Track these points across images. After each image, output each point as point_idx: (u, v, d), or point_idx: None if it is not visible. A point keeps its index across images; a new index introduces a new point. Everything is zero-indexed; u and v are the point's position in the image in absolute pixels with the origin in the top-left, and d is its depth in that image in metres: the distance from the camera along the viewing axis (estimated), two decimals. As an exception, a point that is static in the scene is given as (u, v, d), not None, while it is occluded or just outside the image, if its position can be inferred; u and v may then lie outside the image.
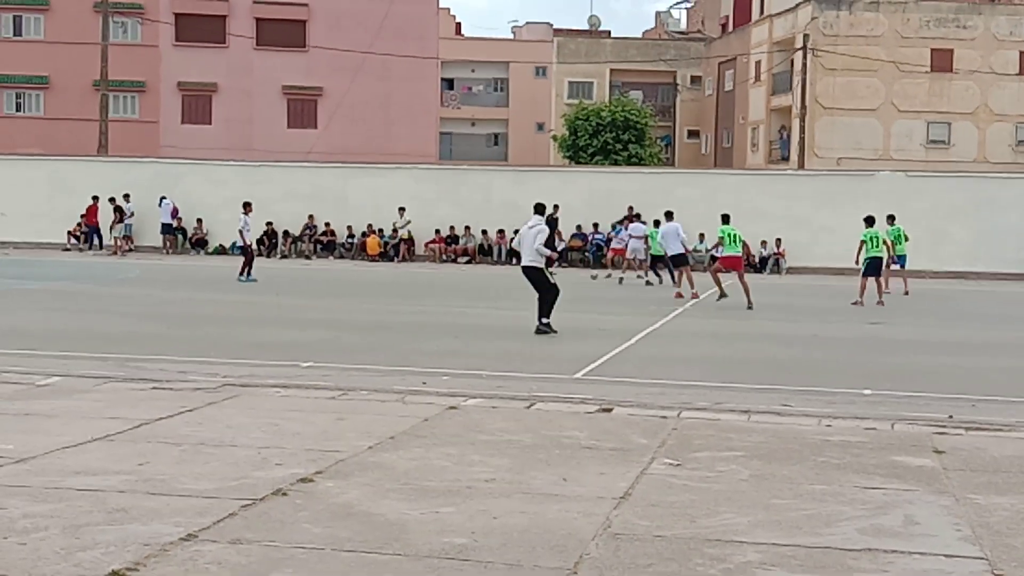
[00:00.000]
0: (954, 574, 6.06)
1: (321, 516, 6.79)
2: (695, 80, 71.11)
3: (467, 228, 39.15)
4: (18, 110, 57.02)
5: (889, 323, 21.05)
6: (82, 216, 39.64)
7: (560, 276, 18.63)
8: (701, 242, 34.73)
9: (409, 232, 39.03)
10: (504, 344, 16.48)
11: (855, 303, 24.40)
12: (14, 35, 56.78)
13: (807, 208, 37.50)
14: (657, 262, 30.07)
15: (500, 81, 76.97)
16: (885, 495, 7.67)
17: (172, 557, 5.95)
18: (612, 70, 69.45)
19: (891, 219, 28.99)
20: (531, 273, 17.54)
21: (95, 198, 39.06)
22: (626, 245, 31.76)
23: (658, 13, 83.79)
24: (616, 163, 52.03)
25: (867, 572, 6.02)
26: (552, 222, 26.66)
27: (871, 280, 25.07)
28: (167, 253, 38.95)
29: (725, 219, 24.54)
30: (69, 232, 39.98)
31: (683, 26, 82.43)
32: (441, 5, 61.46)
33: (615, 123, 55.07)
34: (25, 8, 56.52)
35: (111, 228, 38.70)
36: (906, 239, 29.03)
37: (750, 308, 22.60)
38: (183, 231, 40.13)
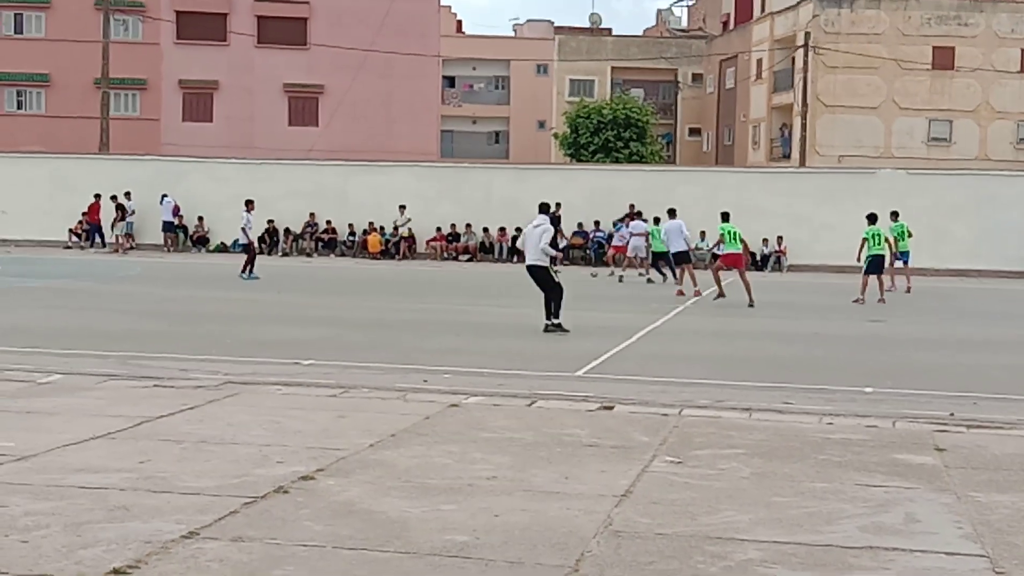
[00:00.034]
0: (955, 572, 6.06)
1: (322, 514, 6.80)
2: (696, 78, 71.05)
3: (468, 226, 39.15)
4: (19, 108, 57.02)
5: (890, 321, 21.04)
6: (84, 214, 39.64)
7: (562, 274, 18.62)
8: (702, 240, 34.72)
9: (410, 230, 39.04)
10: (505, 342, 16.48)
11: (856, 301, 24.39)
12: (15, 33, 56.77)
13: (808, 206, 37.50)
14: (659, 260, 30.06)
15: (501, 79, 76.94)
16: (886, 493, 7.67)
17: (173, 555, 5.95)
18: (613, 68, 69.40)
19: (895, 215, 29.00)
20: (536, 272, 17.59)
21: (97, 196, 39.05)
22: (627, 243, 31.75)
23: (659, 11, 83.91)
24: (617, 161, 51.99)
25: (868, 570, 6.02)
26: (554, 220, 26.66)
27: (872, 278, 25.07)
28: (168, 251, 38.94)
29: (725, 217, 24.54)
30: (70, 230, 39.97)
31: (684, 24, 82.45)
32: (442, 3, 61.46)
33: (616, 121, 55.03)
34: (26, 6, 56.51)
35: (113, 226, 38.69)
36: (909, 235, 29.01)
37: (751, 306, 22.59)
38: (184, 229, 40.11)
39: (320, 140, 54.49)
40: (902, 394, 12.33)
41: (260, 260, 29.41)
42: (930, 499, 7.55)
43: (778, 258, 37.23)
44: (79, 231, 40.02)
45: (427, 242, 39.24)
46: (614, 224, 35.99)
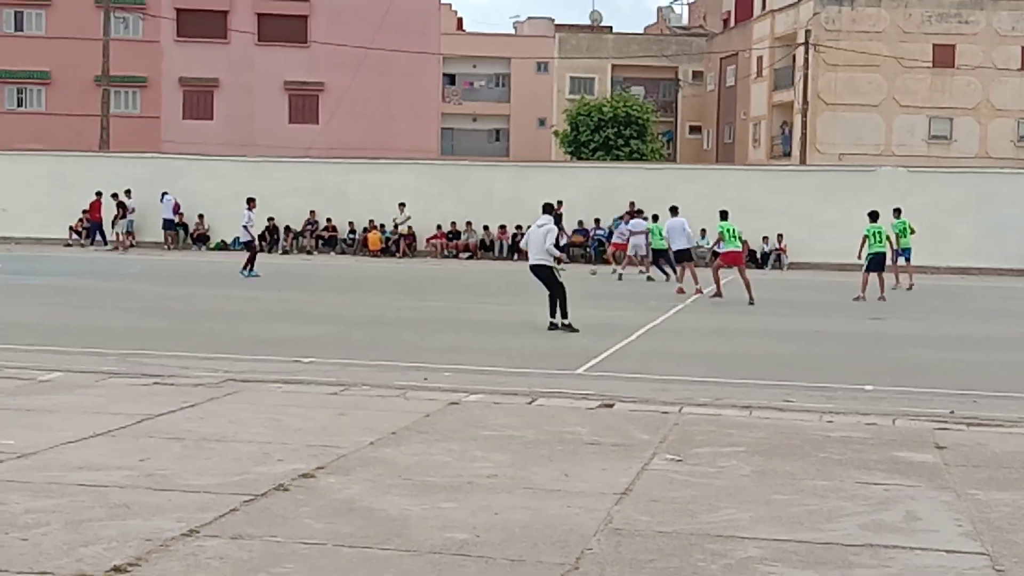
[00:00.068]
0: (955, 570, 6.05)
1: (323, 512, 6.80)
2: (697, 75, 71.04)
3: (468, 224, 39.15)
4: (19, 105, 57.03)
5: (891, 318, 21.04)
6: (85, 211, 39.65)
7: (563, 273, 18.62)
8: (703, 238, 34.73)
9: (410, 228, 39.04)
10: (506, 340, 16.48)
11: (857, 298, 24.40)
12: (15, 30, 56.79)
13: (809, 204, 37.50)
14: (659, 257, 30.05)
15: (501, 76, 76.93)
16: (886, 491, 7.67)
17: (174, 552, 5.95)
18: (614, 66, 69.36)
19: (897, 212, 28.99)
20: (540, 271, 17.62)
21: (98, 193, 39.06)
22: (627, 240, 31.75)
23: (660, 8, 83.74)
24: (618, 159, 51.97)
25: (868, 568, 6.02)
26: (556, 219, 26.66)
27: (873, 275, 25.07)
28: (168, 249, 38.94)
29: (724, 215, 24.55)
30: (71, 227, 40.00)
31: (685, 21, 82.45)
32: (443, 0, 61.42)
33: (616, 119, 55.00)
34: (26, 3, 56.52)
35: (114, 223, 38.70)
36: (912, 232, 29.00)
37: (751, 304, 22.59)
38: (184, 227, 40.13)
39: (320, 138, 54.49)
40: (903, 392, 12.33)
41: (260, 258, 29.42)
42: (930, 497, 7.55)
43: (779, 256, 37.23)
44: (79, 229, 40.03)
45: (427, 240, 39.24)
46: (614, 222, 36.00)
